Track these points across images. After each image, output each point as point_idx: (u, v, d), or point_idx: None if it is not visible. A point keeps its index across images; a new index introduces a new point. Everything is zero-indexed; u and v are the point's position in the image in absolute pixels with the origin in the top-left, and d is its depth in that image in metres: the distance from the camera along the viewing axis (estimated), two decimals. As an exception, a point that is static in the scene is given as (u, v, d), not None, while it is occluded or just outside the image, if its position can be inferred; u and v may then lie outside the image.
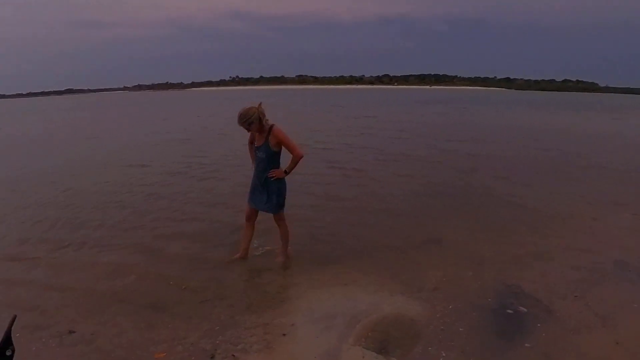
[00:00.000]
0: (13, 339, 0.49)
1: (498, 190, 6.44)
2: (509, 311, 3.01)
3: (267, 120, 3.39)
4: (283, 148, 3.52)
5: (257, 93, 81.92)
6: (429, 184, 6.72)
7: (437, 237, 4.53)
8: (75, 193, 6.54)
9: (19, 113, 36.93)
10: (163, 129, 16.74)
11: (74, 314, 3.05)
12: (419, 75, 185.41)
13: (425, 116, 21.88)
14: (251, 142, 3.64)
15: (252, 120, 3.29)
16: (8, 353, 0.52)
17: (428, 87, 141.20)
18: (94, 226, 4.92)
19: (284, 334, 2.75)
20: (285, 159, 3.58)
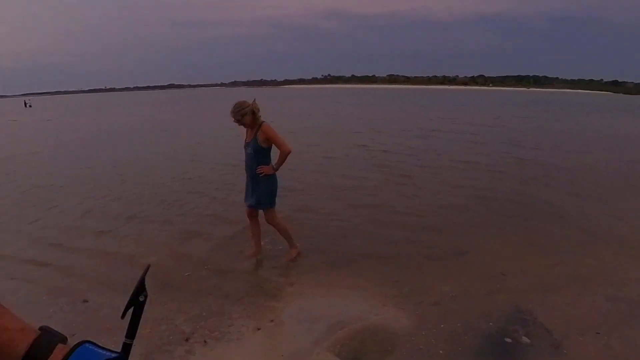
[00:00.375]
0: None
1: (558, 205, 5.74)
2: (508, 339, 2.69)
3: (260, 116, 3.43)
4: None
5: (347, 92, 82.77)
6: (476, 196, 6.19)
7: (463, 251, 4.20)
8: (125, 181, 7.30)
9: (122, 105, 41.81)
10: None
11: (92, 288, 3.45)
12: (517, 77, 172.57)
13: (510, 119, 20.19)
14: None
15: (246, 112, 3.36)
16: (141, 299, 0.57)
17: (525, 89, 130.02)
18: (123, 216, 5.37)
19: (259, 329, 2.80)
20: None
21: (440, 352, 2.56)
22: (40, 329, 0.50)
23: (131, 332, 0.54)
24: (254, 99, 3.47)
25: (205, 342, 2.65)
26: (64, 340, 0.50)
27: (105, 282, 3.54)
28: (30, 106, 49.52)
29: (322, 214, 5.29)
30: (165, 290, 3.39)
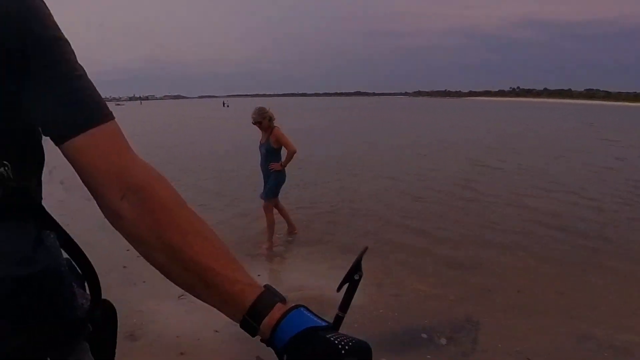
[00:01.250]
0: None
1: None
2: (424, 335, 2.90)
3: (273, 122, 4.27)
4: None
5: (532, 105, 75.32)
6: (537, 231, 5.28)
7: (479, 263, 4.24)
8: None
9: (308, 109, 46.59)
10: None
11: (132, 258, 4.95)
12: None
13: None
14: None
15: (265, 116, 4.22)
16: (356, 277, 0.57)
17: None
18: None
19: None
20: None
21: (355, 325, 2.99)
22: (265, 286, 0.55)
23: (344, 306, 0.56)
24: (269, 108, 4.35)
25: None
26: (283, 300, 0.54)
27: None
28: (227, 106, 60.24)
29: (365, 222, 5.63)
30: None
